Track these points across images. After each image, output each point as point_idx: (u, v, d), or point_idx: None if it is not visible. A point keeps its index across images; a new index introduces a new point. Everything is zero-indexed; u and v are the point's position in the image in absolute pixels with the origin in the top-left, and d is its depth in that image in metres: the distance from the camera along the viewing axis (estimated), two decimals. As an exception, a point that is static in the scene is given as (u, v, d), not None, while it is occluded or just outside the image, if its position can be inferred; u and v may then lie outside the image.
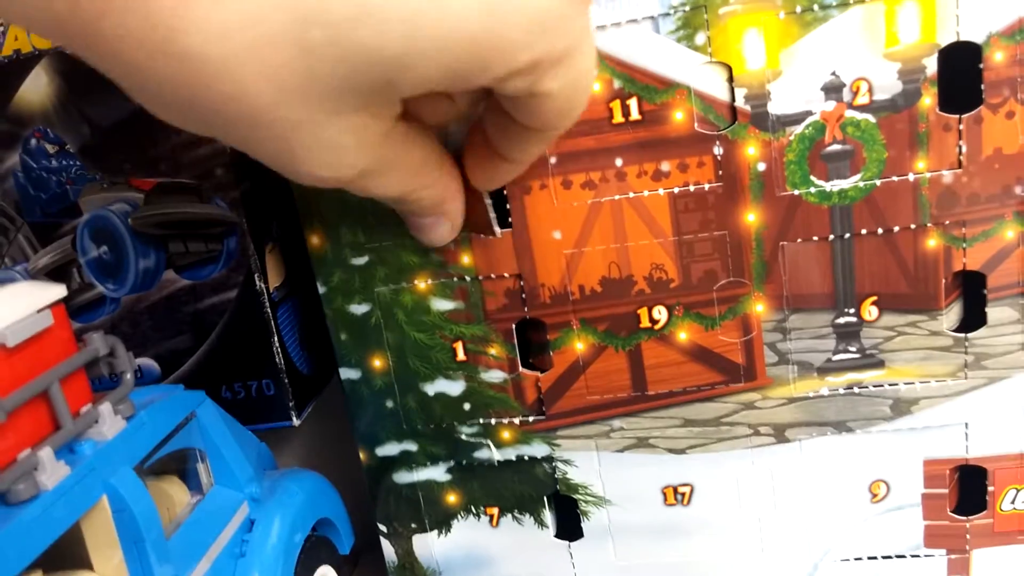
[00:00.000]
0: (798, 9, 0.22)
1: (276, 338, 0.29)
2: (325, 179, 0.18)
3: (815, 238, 0.24)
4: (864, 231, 0.23)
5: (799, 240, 0.24)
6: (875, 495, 0.26)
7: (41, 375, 0.20)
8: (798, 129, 0.23)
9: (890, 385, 0.25)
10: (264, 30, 0.14)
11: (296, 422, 0.30)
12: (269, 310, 0.29)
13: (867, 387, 0.25)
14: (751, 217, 0.24)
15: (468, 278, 0.26)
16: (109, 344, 0.23)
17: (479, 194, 0.24)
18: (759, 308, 0.25)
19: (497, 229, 0.25)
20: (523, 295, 0.26)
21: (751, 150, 0.23)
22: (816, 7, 0.22)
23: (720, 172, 0.24)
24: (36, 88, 0.28)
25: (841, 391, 0.25)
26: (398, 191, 0.21)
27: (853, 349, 0.25)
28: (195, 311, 0.29)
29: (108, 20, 0.14)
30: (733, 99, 0.23)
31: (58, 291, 0.22)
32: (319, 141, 0.17)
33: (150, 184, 0.28)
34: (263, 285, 0.29)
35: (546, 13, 0.16)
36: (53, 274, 0.30)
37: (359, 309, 0.27)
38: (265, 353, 0.29)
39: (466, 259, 0.26)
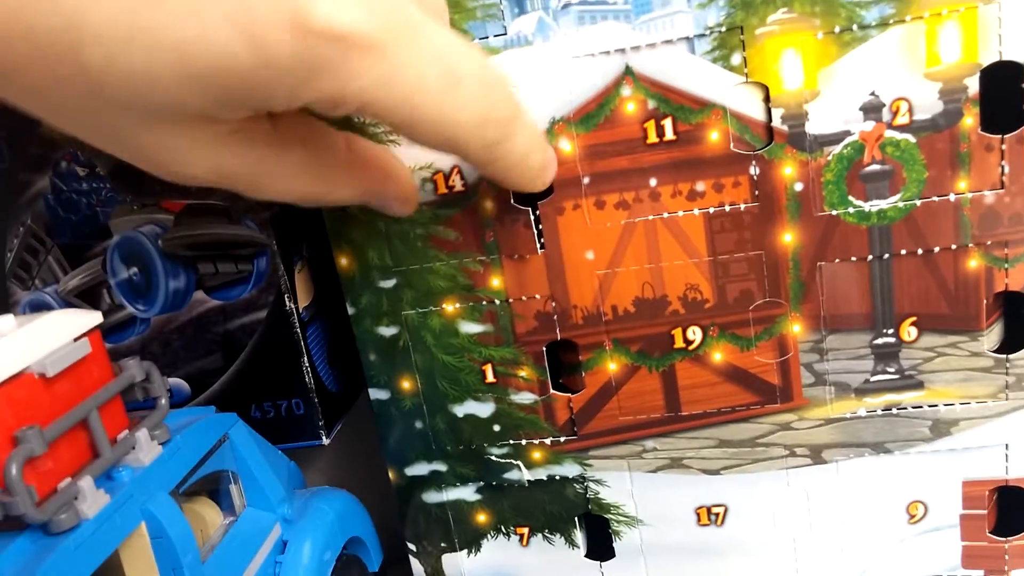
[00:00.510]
0: (836, 29, 0.22)
1: (306, 357, 0.29)
2: (184, 178, 0.19)
3: (853, 258, 0.23)
4: (904, 251, 0.23)
5: (837, 260, 0.23)
6: (913, 516, 0.26)
7: (80, 404, 0.20)
8: (836, 149, 0.23)
9: (929, 406, 0.24)
10: (42, 47, 0.15)
11: (325, 441, 0.30)
12: (299, 330, 0.29)
13: (906, 408, 0.25)
14: (788, 237, 0.24)
15: (497, 301, 0.26)
16: (145, 370, 0.23)
17: None
18: (796, 328, 0.24)
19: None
20: (555, 316, 0.26)
21: (788, 170, 0.23)
22: (855, 27, 0.21)
23: (756, 192, 0.23)
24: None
25: (879, 412, 0.25)
26: (291, 195, 0.20)
27: (892, 370, 0.24)
28: (225, 331, 0.29)
29: None
30: (770, 119, 0.23)
31: (94, 318, 0.22)
32: (153, 143, 0.17)
33: (180, 206, 0.28)
34: (293, 305, 0.29)
35: (306, 56, 0.15)
36: (83, 295, 0.30)
37: (387, 331, 0.27)
38: (295, 372, 0.29)
39: (496, 282, 0.26)
